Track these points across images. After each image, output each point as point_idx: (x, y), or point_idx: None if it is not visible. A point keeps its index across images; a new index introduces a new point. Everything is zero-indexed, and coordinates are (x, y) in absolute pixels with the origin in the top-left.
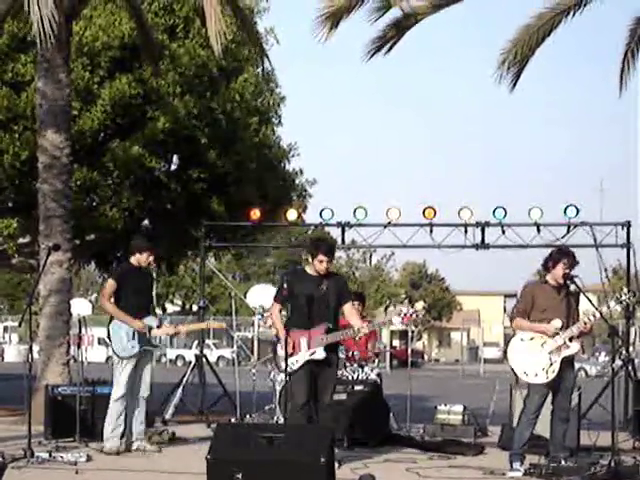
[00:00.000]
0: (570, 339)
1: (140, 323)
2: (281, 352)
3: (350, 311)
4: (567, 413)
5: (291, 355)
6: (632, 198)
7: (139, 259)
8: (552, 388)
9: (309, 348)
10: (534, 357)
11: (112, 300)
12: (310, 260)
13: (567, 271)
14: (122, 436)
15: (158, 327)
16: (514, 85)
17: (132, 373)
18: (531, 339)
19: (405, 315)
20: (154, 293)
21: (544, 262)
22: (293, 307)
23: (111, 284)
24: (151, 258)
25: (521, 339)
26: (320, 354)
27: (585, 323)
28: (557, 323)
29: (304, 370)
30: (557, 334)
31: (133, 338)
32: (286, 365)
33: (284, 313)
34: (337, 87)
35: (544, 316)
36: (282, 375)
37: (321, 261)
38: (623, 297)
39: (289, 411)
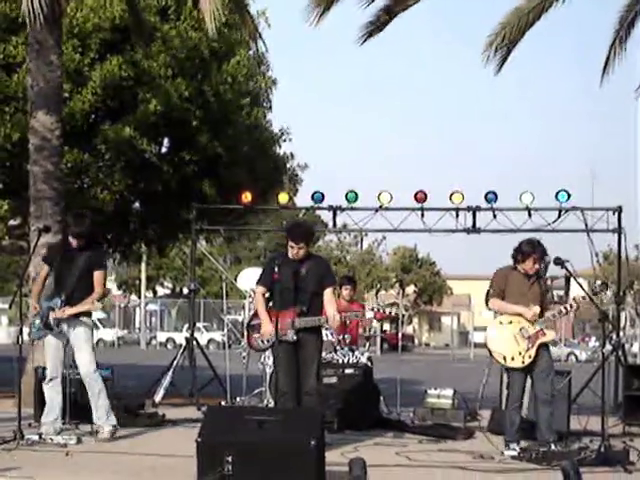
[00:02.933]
0: (546, 326)
1: (34, 305)
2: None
3: (329, 298)
4: (548, 395)
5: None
6: (624, 183)
7: (70, 242)
8: (528, 373)
9: (281, 330)
10: (512, 341)
11: (39, 280)
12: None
13: (537, 266)
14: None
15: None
16: (500, 68)
17: (54, 355)
18: (510, 323)
19: (378, 311)
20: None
21: (514, 254)
22: (274, 291)
23: (45, 268)
24: (79, 242)
25: (500, 322)
26: (291, 336)
27: (561, 312)
28: (536, 309)
29: (284, 353)
30: (535, 320)
31: (41, 321)
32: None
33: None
34: (329, 72)
35: (515, 301)
36: (272, 359)
37: (291, 247)
38: (597, 289)
39: (274, 392)
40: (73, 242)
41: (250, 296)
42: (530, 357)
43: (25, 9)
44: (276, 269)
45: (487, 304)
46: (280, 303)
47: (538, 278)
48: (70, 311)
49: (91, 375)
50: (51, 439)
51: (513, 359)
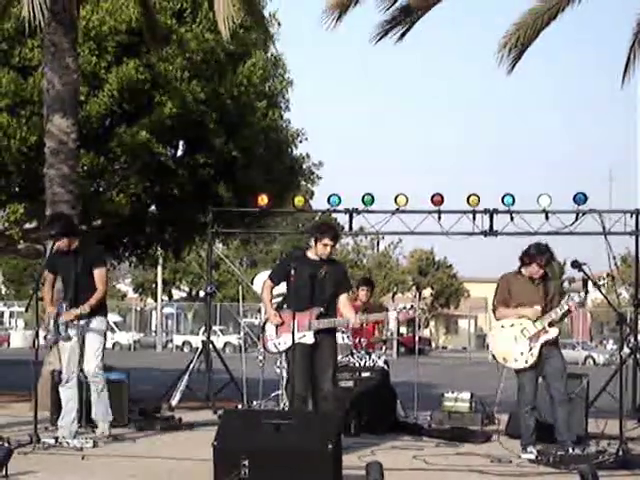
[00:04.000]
0: (550, 324)
1: (50, 308)
2: (270, 331)
3: (344, 302)
4: (563, 395)
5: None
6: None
7: (58, 245)
8: (540, 373)
9: (298, 331)
10: (513, 343)
11: (46, 288)
12: (313, 244)
13: (542, 271)
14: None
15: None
16: (512, 67)
17: (69, 357)
18: (511, 326)
19: (401, 311)
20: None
21: (521, 257)
22: (291, 289)
23: (44, 274)
24: (64, 242)
25: (502, 326)
26: (309, 338)
27: (563, 308)
28: (536, 312)
29: (300, 356)
30: (536, 320)
31: (54, 325)
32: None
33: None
34: (346, 72)
35: (520, 304)
36: None
37: (325, 245)
38: (602, 281)
39: (290, 395)
40: (60, 245)
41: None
42: (533, 356)
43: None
44: (292, 271)
45: (494, 313)
46: (296, 304)
47: (544, 281)
48: (74, 312)
49: (94, 373)
50: (67, 443)
51: (516, 360)
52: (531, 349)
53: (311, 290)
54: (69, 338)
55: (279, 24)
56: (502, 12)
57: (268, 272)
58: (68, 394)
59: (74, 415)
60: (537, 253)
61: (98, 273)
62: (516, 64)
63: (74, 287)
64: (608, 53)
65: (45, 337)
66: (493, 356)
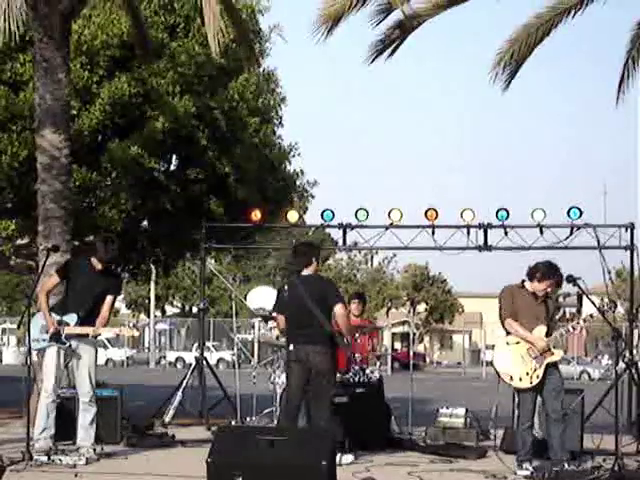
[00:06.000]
0: (554, 345)
1: (50, 319)
2: None
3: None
4: (559, 414)
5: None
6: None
7: (94, 262)
8: (539, 392)
9: None
10: (519, 361)
11: (46, 289)
12: (316, 263)
13: (549, 290)
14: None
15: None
16: (508, 84)
17: (55, 369)
18: (517, 343)
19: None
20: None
21: (531, 271)
22: None
23: (54, 279)
24: (99, 266)
25: (507, 343)
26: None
27: (568, 331)
28: (542, 330)
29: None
30: (542, 340)
31: (47, 332)
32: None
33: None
34: (339, 88)
35: (522, 320)
36: (283, 377)
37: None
38: (604, 307)
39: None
40: (97, 265)
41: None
42: (538, 377)
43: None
44: None
45: (503, 325)
46: None
47: (545, 299)
48: (83, 330)
49: (90, 397)
50: (60, 460)
51: (521, 379)
52: (536, 370)
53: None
54: (69, 348)
55: (284, 39)
56: (497, 28)
57: (262, 288)
58: (52, 406)
59: (53, 431)
60: (553, 272)
61: (109, 299)
62: (511, 81)
63: (89, 306)
64: (602, 69)
65: (33, 340)
66: (497, 373)
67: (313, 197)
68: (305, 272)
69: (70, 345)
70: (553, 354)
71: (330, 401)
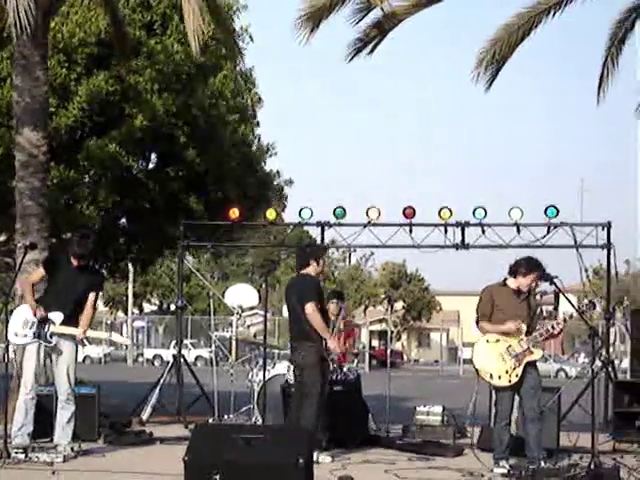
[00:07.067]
0: (533, 344)
1: (36, 308)
2: None
3: None
4: (536, 413)
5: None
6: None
7: (71, 259)
8: (516, 390)
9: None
10: (499, 360)
11: (30, 282)
12: (317, 263)
13: (534, 285)
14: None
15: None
16: (490, 85)
17: (34, 365)
18: (496, 341)
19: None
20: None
21: (513, 267)
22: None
23: (40, 271)
24: (80, 263)
25: (487, 341)
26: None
27: (548, 331)
28: (522, 329)
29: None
30: (522, 339)
31: (30, 328)
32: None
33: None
34: (314, 89)
35: (504, 318)
36: (260, 375)
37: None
38: (584, 307)
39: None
40: (74, 262)
41: (238, 313)
42: (517, 376)
43: (11, 22)
44: None
45: (477, 325)
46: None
47: (528, 296)
48: (71, 331)
49: (68, 395)
50: (37, 457)
51: (500, 378)
52: (515, 368)
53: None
54: (55, 347)
55: (252, 39)
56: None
57: (240, 285)
58: (30, 403)
59: (32, 428)
60: (535, 267)
61: (92, 297)
62: (494, 81)
63: (71, 305)
64: (580, 68)
65: (19, 334)
66: (476, 371)
67: (286, 199)
68: (302, 273)
69: (55, 344)
70: (532, 353)
71: (317, 401)
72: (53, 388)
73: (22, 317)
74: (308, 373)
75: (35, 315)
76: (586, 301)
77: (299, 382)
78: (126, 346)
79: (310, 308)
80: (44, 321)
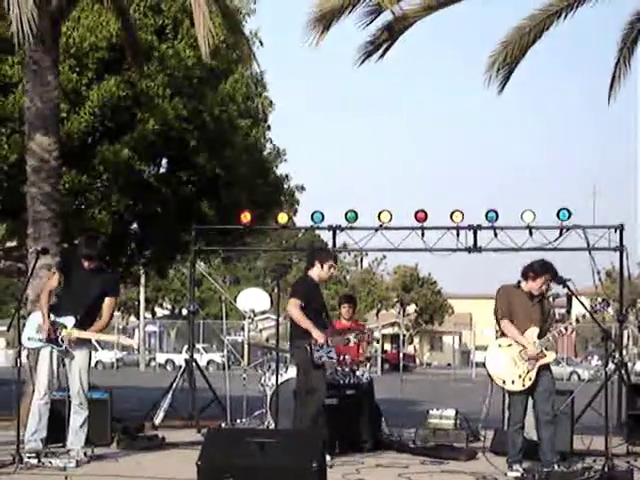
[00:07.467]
0: (547, 347)
1: (47, 323)
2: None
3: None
4: (550, 416)
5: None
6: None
7: (85, 263)
8: (530, 394)
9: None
10: (512, 364)
11: (47, 290)
12: (321, 266)
13: (545, 287)
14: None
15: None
16: (503, 87)
17: (49, 371)
18: (509, 345)
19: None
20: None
21: (525, 271)
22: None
23: (57, 277)
24: (91, 265)
25: (499, 345)
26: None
27: (561, 332)
28: (534, 332)
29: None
30: (534, 342)
31: (53, 336)
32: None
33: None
34: (326, 93)
35: (515, 321)
36: (273, 380)
37: (334, 267)
38: (597, 306)
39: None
40: (84, 264)
41: (250, 317)
42: (530, 379)
43: (14, 29)
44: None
45: (498, 324)
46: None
47: (541, 299)
48: (81, 334)
49: (81, 400)
50: (50, 462)
51: (513, 382)
52: (528, 372)
53: (322, 312)
54: (67, 352)
55: (261, 44)
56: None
57: (252, 289)
58: (44, 408)
59: (45, 433)
60: (545, 269)
61: (110, 302)
62: (506, 83)
63: (85, 308)
64: (593, 69)
65: (27, 338)
66: (490, 376)
67: (298, 203)
68: (305, 274)
69: (66, 348)
70: (545, 356)
71: (315, 401)
72: (66, 393)
73: (36, 322)
74: (303, 372)
75: (43, 325)
76: (600, 299)
77: (297, 380)
78: (138, 350)
79: (290, 304)
80: (54, 326)
